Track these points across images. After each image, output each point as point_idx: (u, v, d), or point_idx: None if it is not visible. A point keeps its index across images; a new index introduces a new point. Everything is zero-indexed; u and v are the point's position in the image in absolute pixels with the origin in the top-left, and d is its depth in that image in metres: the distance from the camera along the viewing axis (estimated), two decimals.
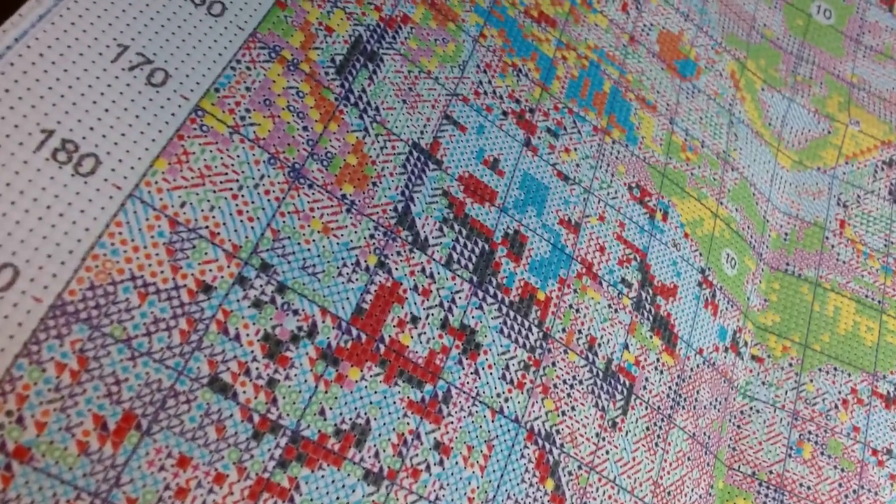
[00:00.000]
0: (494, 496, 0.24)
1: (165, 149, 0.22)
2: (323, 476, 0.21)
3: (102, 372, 0.19)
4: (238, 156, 0.23)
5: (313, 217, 0.24)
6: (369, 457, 0.22)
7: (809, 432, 0.32)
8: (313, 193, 0.24)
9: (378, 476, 0.22)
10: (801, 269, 0.35)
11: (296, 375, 0.22)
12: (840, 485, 0.31)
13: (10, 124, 0.20)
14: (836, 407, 0.32)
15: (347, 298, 0.23)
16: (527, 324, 0.26)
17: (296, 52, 0.25)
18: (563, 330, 0.27)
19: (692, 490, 0.29)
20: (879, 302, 0.35)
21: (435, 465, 0.23)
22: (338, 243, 0.24)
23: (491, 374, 0.25)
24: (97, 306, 0.19)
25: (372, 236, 0.24)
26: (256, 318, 0.22)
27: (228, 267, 0.22)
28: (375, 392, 0.23)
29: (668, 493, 0.28)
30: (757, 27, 0.40)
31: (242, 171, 0.23)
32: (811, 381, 0.33)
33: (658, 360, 0.29)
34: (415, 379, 0.24)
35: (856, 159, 0.39)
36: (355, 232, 0.24)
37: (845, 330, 0.34)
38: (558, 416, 0.26)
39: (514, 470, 0.25)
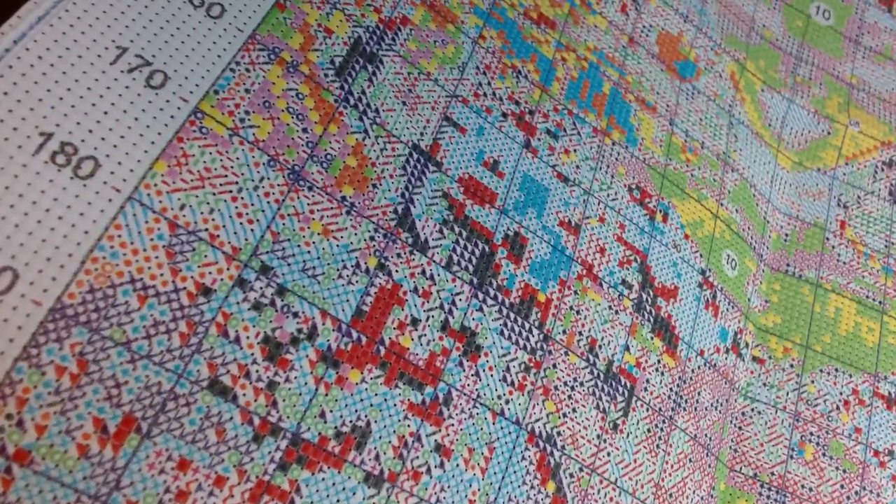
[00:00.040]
0: (495, 498, 0.24)
1: (165, 151, 0.22)
2: (323, 479, 0.21)
3: (102, 375, 0.19)
4: (238, 158, 0.23)
5: (313, 219, 0.23)
6: (370, 459, 0.22)
7: (811, 433, 0.32)
8: (313, 195, 0.24)
9: (378, 478, 0.22)
10: (802, 270, 0.35)
11: (296, 378, 0.22)
12: (842, 486, 0.31)
13: (9, 127, 0.20)
14: (838, 408, 0.32)
15: (347, 300, 0.23)
16: (527, 325, 0.26)
17: (295, 53, 0.25)
18: (564, 332, 0.27)
19: (694, 492, 0.29)
20: (880, 303, 0.35)
21: (436, 467, 0.23)
22: (338, 245, 0.24)
23: (492, 376, 0.25)
24: (97, 309, 0.19)
25: (372, 238, 0.24)
26: (256, 320, 0.22)
27: (228, 269, 0.22)
28: (376, 394, 0.23)
29: (670, 495, 0.28)
30: (756, 28, 0.40)
31: (242, 174, 0.23)
32: (812, 382, 0.33)
33: (659, 361, 0.29)
34: (415, 381, 0.24)
35: (856, 160, 0.39)
36: (355, 234, 0.24)
37: (846, 331, 0.34)
38: (559, 417, 0.26)
39: (515, 472, 0.24)
